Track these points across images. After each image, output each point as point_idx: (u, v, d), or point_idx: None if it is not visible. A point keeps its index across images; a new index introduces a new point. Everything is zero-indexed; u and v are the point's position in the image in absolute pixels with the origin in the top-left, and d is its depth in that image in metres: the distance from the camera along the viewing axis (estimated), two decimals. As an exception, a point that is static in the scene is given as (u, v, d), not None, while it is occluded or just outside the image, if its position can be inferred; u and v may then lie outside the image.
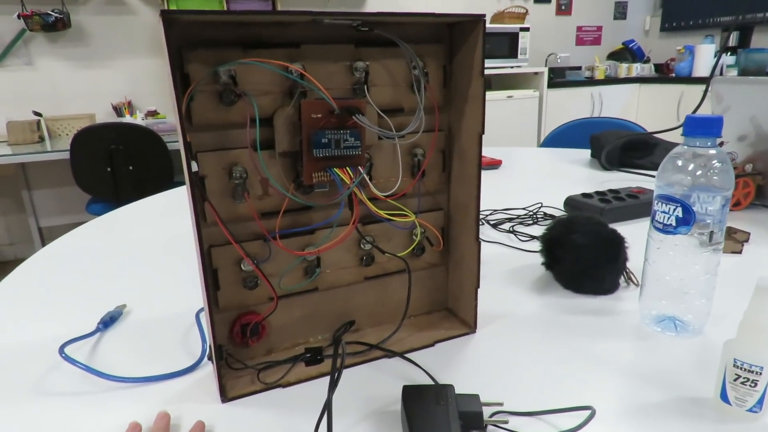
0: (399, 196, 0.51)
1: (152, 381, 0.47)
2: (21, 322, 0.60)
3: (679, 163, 0.49)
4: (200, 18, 0.41)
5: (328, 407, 0.37)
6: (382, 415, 0.42)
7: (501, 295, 0.63)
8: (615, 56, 4.15)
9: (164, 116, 2.85)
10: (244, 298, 0.48)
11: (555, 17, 4.08)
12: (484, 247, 0.52)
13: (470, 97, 0.49)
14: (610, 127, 1.52)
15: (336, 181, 0.45)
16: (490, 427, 0.39)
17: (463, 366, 0.49)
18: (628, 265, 0.63)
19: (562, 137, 1.86)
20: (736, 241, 0.73)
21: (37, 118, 2.63)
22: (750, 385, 0.38)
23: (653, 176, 1.16)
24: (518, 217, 0.93)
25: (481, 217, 0.49)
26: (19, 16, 2.59)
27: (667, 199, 0.49)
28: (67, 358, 0.49)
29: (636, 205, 0.89)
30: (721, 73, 3.14)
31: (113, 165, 2.16)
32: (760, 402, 0.39)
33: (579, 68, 4.06)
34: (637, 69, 3.96)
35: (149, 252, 0.81)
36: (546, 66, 3.72)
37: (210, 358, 0.47)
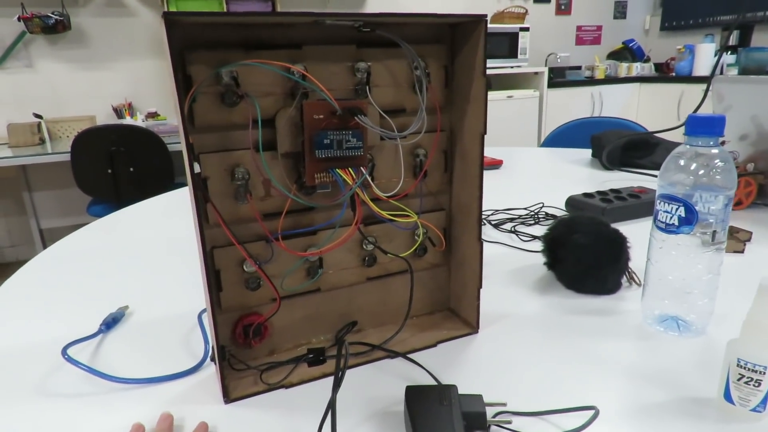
0: (401, 196, 0.51)
1: (155, 382, 0.47)
2: (23, 323, 0.60)
3: (682, 162, 0.48)
4: (202, 20, 0.41)
5: (332, 407, 0.37)
6: (385, 415, 0.42)
7: (503, 295, 0.63)
8: (615, 56, 4.15)
9: (164, 118, 2.85)
10: (247, 299, 0.48)
11: (555, 17, 4.08)
12: (486, 248, 0.52)
13: (472, 98, 0.49)
14: (610, 127, 1.52)
15: (338, 182, 0.45)
16: (493, 428, 0.39)
17: (465, 366, 0.49)
18: (631, 264, 0.62)
19: (563, 137, 1.86)
20: (738, 240, 0.73)
21: (38, 120, 2.63)
22: (754, 385, 0.38)
23: (654, 176, 1.16)
24: (520, 217, 0.93)
25: (482, 217, 0.49)
26: (19, 19, 2.59)
27: (670, 198, 0.49)
28: (70, 360, 0.49)
29: (637, 204, 0.89)
30: (721, 73, 3.13)
31: (114, 167, 2.17)
32: (764, 402, 0.39)
33: (579, 68, 4.06)
34: (637, 68, 3.96)
35: (151, 253, 0.81)
36: (546, 66, 3.72)
37: (213, 359, 0.47)
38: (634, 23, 4.37)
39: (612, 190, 0.95)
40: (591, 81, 3.78)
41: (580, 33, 4.20)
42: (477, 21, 0.46)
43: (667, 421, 0.40)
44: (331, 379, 0.46)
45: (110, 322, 0.57)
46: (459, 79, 0.51)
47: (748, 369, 0.38)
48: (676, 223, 0.49)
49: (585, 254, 0.60)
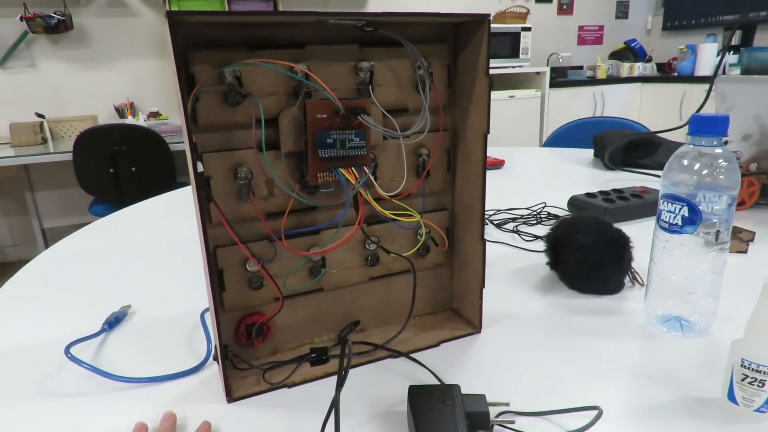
0: (404, 196, 0.51)
1: (158, 381, 0.47)
2: (26, 322, 0.60)
3: (685, 162, 0.48)
4: (205, 19, 0.41)
5: (335, 406, 0.37)
6: (387, 415, 0.42)
7: (505, 295, 0.63)
8: (617, 56, 4.15)
9: (166, 117, 2.86)
10: (250, 299, 0.48)
11: (556, 17, 4.07)
12: (488, 247, 0.52)
13: (475, 97, 0.49)
14: (612, 127, 1.52)
15: (341, 182, 0.45)
16: (496, 428, 0.39)
17: (468, 366, 0.49)
18: (633, 264, 0.62)
19: (565, 137, 1.85)
20: (741, 240, 0.73)
21: (40, 119, 2.64)
22: (758, 385, 0.38)
23: (657, 176, 1.16)
24: (522, 217, 0.93)
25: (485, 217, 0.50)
26: (21, 19, 2.60)
27: (673, 198, 0.49)
28: (73, 359, 0.49)
29: (640, 204, 0.89)
30: (723, 72, 3.13)
31: (116, 166, 2.17)
32: (768, 402, 0.39)
33: (581, 68, 4.05)
34: (639, 68, 3.95)
35: (153, 253, 0.81)
36: (548, 66, 3.72)
37: (215, 359, 0.47)
38: (636, 23, 4.37)
39: (614, 190, 0.95)
40: (593, 81, 3.77)
41: (581, 33, 4.20)
42: (480, 20, 0.46)
43: (670, 422, 0.40)
44: (333, 379, 0.46)
45: (113, 322, 0.58)
46: (462, 79, 0.50)
47: (752, 369, 0.38)
48: (680, 223, 0.49)
49: (588, 254, 0.60)
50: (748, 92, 0.95)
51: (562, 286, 0.65)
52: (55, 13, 2.64)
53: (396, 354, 0.50)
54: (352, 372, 0.47)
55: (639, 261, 0.62)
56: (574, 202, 0.93)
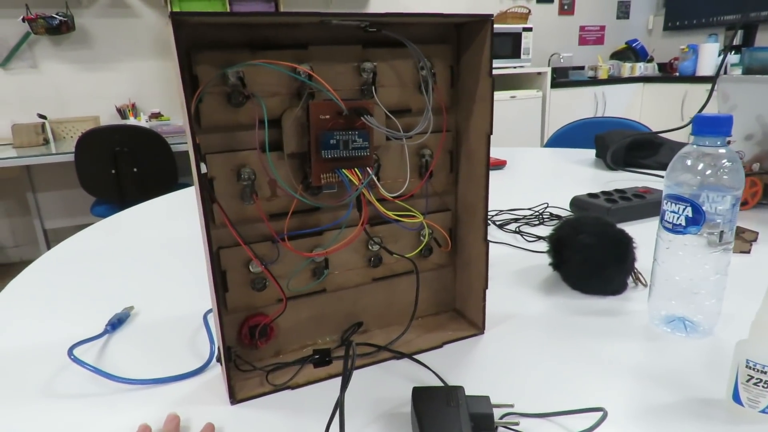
0: (407, 197, 0.51)
1: (161, 383, 0.47)
2: (29, 323, 0.60)
3: (689, 162, 0.48)
4: (209, 20, 0.41)
5: (341, 407, 0.37)
6: (391, 417, 0.42)
7: (508, 295, 0.63)
8: (618, 56, 4.14)
9: (168, 118, 2.86)
10: (253, 300, 0.48)
11: (558, 17, 4.07)
12: (491, 248, 0.52)
13: (478, 98, 0.49)
14: (614, 127, 1.52)
15: (344, 182, 0.45)
16: (501, 429, 0.39)
17: (471, 367, 0.48)
18: (636, 265, 0.62)
19: (567, 137, 1.85)
20: (744, 240, 0.73)
21: (42, 120, 2.64)
22: (763, 386, 0.38)
23: (659, 176, 1.16)
24: (524, 217, 0.92)
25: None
26: (23, 20, 2.60)
27: (677, 198, 0.49)
28: (76, 360, 0.49)
29: (643, 205, 0.88)
30: (725, 72, 3.12)
31: (117, 167, 2.17)
32: (773, 403, 0.39)
33: (582, 68, 4.05)
34: (640, 68, 3.95)
35: (155, 254, 0.81)
36: (549, 66, 3.72)
37: (219, 360, 0.47)
38: (637, 23, 4.36)
39: (617, 191, 0.95)
40: (594, 81, 3.77)
41: (583, 33, 4.20)
42: (483, 21, 0.46)
43: (675, 423, 0.40)
44: (336, 381, 0.46)
45: (116, 323, 0.57)
46: (465, 79, 0.50)
47: (758, 370, 0.38)
48: (683, 223, 0.48)
49: (591, 255, 0.60)
50: (750, 92, 0.95)
51: (564, 286, 0.65)
52: (57, 14, 2.65)
53: (399, 355, 0.50)
54: (355, 373, 0.47)
55: (642, 261, 0.62)
56: (576, 203, 0.93)
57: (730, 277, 0.51)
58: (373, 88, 0.47)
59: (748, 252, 0.72)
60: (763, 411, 0.39)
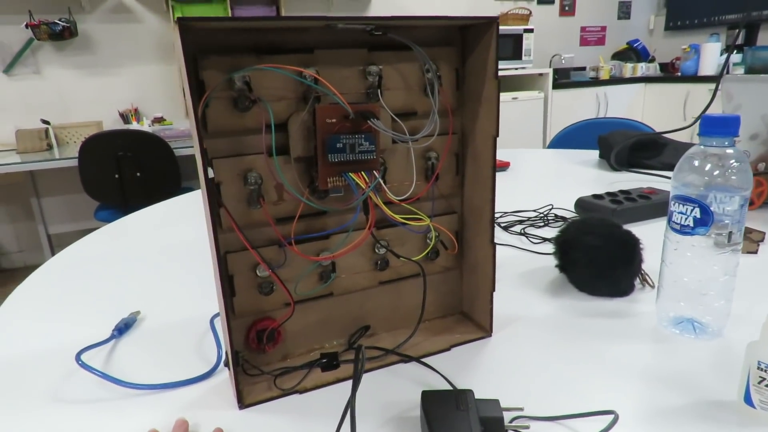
0: (413, 200, 0.50)
1: (169, 388, 0.47)
2: (36, 329, 0.60)
3: (696, 163, 0.48)
4: (215, 25, 0.41)
5: (352, 410, 0.36)
6: (400, 420, 0.42)
7: (515, 298, 0.63)
8: (619, 56, 4.14)
9: (171, 123, 2.87)
10: (260, 304, 0.48)
11: (558, 18, 4.07)
12: (496, 250, 0.51)
13: (483, 100, 0.49)
14: (617, 128, 1.51)
15: (351, 186, 0.45)
16: (510, 433, 0.39)
17: (480, 370, 0.48)
18: (643, 266, 0.62)
19: (569, 138, 1.85)
20: (751, 241, 0.73)
21: (45, 126, 2.65)
22: (775, 388, 0.38)
23: (663, 176, 1.15)
24: (529, 219, 0.92)
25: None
26: (26, 26, 2.61)
27: (684, 199, 0.49)
28: (84, 365, 0.49)
29: (648, 205, 0.88)
30: (727, 72, 3.12)
31: (121, 172, 2.18)
32: (786, 405, 0.38)
33: (583, 69, 4.05)
34: (642, 69, 3.94)
35: (160, 258, 0.81)
36: (550, 67, 3.72)
37: (226, 365, 0.47)
38: (639, 23, 4.36)
39: (621, 191, 0.95)
40: (596, 82, 3.77)
41: (584, 34, 4.20)
42: (489, 23, 0.46)
43: (686, 425, 0.40)
44: (344, 385, 0.46)
45: (122, 328, 0.57)
46: (470, 82, 0.50)
47: (769, 372, 0.38)
48: (692, 224, 0.48)
49: (598, 256, 0.60)
50: (754, 91, 0.95)
51: (571, 288, 0.64)
52: (59, 20, 2.66)
53: (407, 359, 0.50)
54: (363, 377, 0.47)
55: (649, 263, 0.62)
56: (581, 204, 0.92)
57: (738, 277, 0.50)
58: (379, 91, 0.47)
59: (756, 252, 0.72)
60: (775, 413, 0.39)
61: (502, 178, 1.26)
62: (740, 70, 3.14)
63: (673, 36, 4.24)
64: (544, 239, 0.81)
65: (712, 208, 0.47)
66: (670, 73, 4.01)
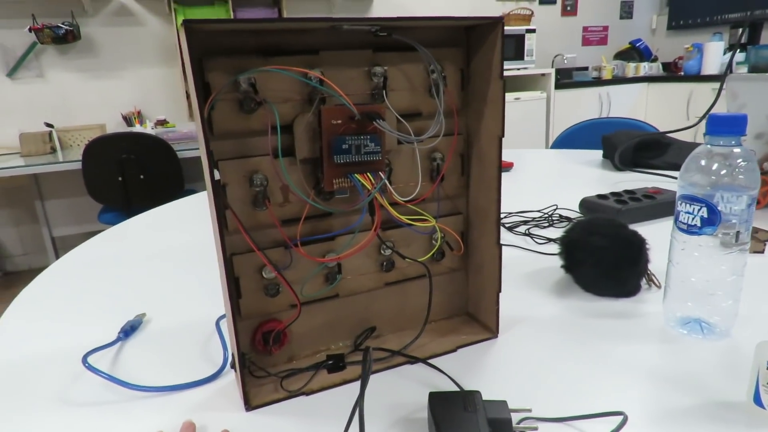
0: (419, 201, 0.50)
1: (175, 390, 0.47)
2: (42, 331, 0.60)
3: (703, 162, 0.48)
4: (220, 27, 0.41)
5: (360, 411, 0.36)
6: (408, 422, 0.42)
7: (520, 298, 0.63)
8: (622, 56, 4.13)
9: (173, 125, 2.87)
10: (266, 306, 0.48)
11: (560, 18, 4.07)
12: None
13: (489, 100, 0.49)
14: (620, 128, 1.51)
15: (357, 187, 0.45)
16: (519, 434, 0.39)
17: (486, 371, 0.48)
18: (649, 266, 0.62)
19: (572, 138, 1.85)
20: (758, 240, 0.72)
21: (49, 129, 2.66)
22: (785, 388, 0.38)
23: (668, 176, 1.15)
24: (533, 219, 0.92)
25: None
26: (30, 30, 2.63)
27: (691, 199, 0.48)
28: (91, 368, 0.49)
29: (653, 205, 0.88)
30: (731, 71, 3.11)
31: (124, 174, 2.18)
32: (796, 405, 0.38)
33: (586, 69, 4.04)
34: (644, 68, 3.94)
35: (164, 260, 0.81)
36: (553, 67, 3.71)
37: (233, 366, 0.47)
38: (641, 23, 4.36)
39: (626, 191, 0.94)
40: (598, 82, 3.76)
41: (586, 34, 4.19)
42: (494, 23, 0.46)
43: (695, 427, 0.40)
44: (351, 386, 0.46)
45: (128, 330, 0.58)
46: (475, 82, 0.50)
47: (779, 372, 0.37)
48: (699, 224, 0.48)
49: (604, 256, 0.60)
50: (759, 90, 0.95)
51: (577, 288, 0.64)
52: (63, 23, 2.67)
53: (413, 360, 0.50)
54: (369, 378, 0.47)
55: (655, 263, 0.62)
56: (585, 204, 0.92)
57: (745, 277, 0.50)
58: (384, 92, 0.47)
59: (762, 252, 0.71)
60: (785, 413, 0.38)
61: (505, 179, 1.26)
62: (743, 69, 3.13)
63: (676, 35, 4.23)
64: (549, 240, 0.81)
65: (719, 208, 0.47)
66: (672, 73, 4.00)
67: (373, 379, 0.47)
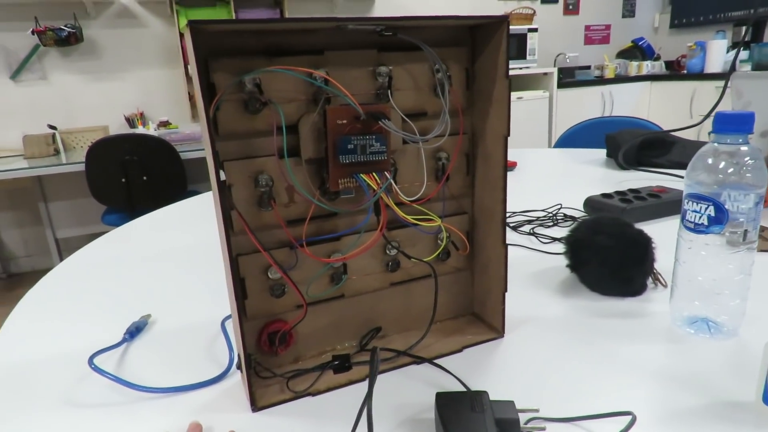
0: (424, 200, 0.50)
1: (181, 391, 0.47)
2: (47, 333, 0.60)
3: (710, 161, 0.48)
4: (225, 27, 0.41)
5: (368, 409, 0.36)
6: (414, 423, 0.41)
7: (526, 298, 0.62)
8: (624, 54, 4.12)
9: (176, 126, 2.88)
10: (271, 307, 0.48)
11: (563, 17, 4.06)
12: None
13: (494, 99, 0.48)
14: (624, 126, 1.50)
15: (362, 187, 0.45)
16: (526, 434, 0.39)
17: (493, 371, 0.48)
18: (655, 266, 0.61)
19: (576, 137, 1.84)
20: (765, 239, 0.72)
21: (52, 131, 2.67)
22: (795, 388, 0.37)
23: (672, 174, 1.14)
24: (538, 219, 0.92)
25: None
26: (33, 32, 2.63)
27: (698, 198, 0.48)
28: (97, 369, 0.49)
29: (658, 204, 0.87)
30: (734, 69, 3.10)
31: (127, 176, 2.19)
32: (806, 405, 0.38)
33: (588, 68, 4.04)
34: (647, 67, 3.93)
35: (168, 261, 0.82)
36: (555, 66, 3.71)
37: (238, 367, 0.47)
38: (643, 21, 4.34)
39: (631, 190, 0.94)
40: (601, 80, 3.75)
41: (588, 32, 4.18)
42: (499, 22, 0.46)
43: (703, 427, 0.39)
44: (357, 387, 0.46)
45: (134, 331, 0.58)
46: (480, 82, 0.50)
47: (789, 371, 0.37)
48: (706, 222, 0.48)
49: (610, 256, 0.60)
50: (764, 88, 0.94)
51: (583, 288, 0.64)
52: (65, 25, 2.68)
53: (420, 360, 0.50)
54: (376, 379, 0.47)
55: (661, 262, 0.61)
56: (590, 203, 0.92)
57: (752, 276, 0.50)
58: (389, 92, 0.47)
59: (769, 250, 0.71)
60: (795, 413, 0.38)
61: (509, 178, 1.25)
62: (747, 67, 3.12)
63: (679, 33, 4.22)
64: (554, 239, 0.81)
65: (726, 207, 0.47)
66: (675, 71, 3.99)
67: (380, 379, 0.47)
